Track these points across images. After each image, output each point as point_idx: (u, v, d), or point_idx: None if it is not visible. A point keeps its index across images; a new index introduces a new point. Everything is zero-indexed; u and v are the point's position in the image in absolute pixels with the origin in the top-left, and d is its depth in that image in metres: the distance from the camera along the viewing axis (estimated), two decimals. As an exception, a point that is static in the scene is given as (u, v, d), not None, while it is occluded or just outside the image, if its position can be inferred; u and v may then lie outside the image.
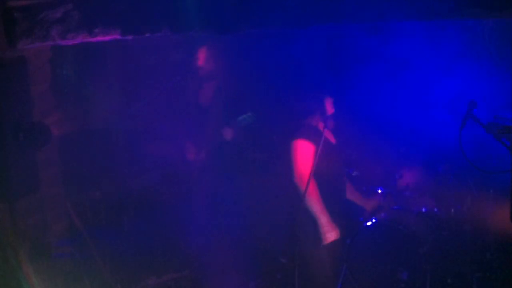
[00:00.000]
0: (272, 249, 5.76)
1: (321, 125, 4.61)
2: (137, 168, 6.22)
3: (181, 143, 5.89)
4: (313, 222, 4.57)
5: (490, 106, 5.08)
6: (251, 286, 5.65)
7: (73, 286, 4.86)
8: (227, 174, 5.84)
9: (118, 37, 3.97)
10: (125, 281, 5.35)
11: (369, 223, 5.40)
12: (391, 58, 5.66)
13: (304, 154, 4.56)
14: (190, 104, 5.70)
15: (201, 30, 3.92)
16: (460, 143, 4.12)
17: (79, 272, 4.95)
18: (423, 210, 5.59)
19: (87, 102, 5.72)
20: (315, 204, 4.53)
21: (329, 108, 4.67)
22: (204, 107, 5.67)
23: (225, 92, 5.64)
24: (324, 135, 4.41)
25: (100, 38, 3.97)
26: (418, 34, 5.54)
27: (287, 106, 5.35)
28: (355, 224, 5.21)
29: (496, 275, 5.17)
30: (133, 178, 6.17)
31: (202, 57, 5.52)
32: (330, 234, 4.60)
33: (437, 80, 5.70)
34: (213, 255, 5.66)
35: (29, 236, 4.57)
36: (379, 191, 5.69)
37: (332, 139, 4.79)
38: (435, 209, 5.60)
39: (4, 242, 4.08)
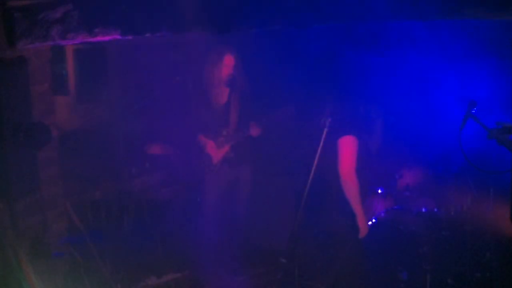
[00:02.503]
0: (272, 249, 5.77)
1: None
2: (137, 168, 6.22)
3: (183, 143, 5.90)
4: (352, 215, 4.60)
5: (491, 106, 5.09)
6: (250, 286, 5.65)
7: (73, 286, 4.86)
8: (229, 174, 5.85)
9: (118, 37, 3.97)
10: (125, 281, 5.35)
11: (369, 223, 5.40)
12: (391, 60, 5.67)
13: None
14: (201, 103, 5.72)
15: (201, 30, 3.92)
16: (460, 143, 4.12)
17: (79, 272, 4.95)
18: (423, 210, 5.60)
19: (87, 102, 5.72)
20: (353, 198, 4.57)
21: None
22: (221, 106, 5.72)
23: (240, 91, 5.69)
24: (323, 136, 4.43)
25: (100, 38, 3.97)
26: (418, 35, 5.54)
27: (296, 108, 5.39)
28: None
29: (496, 275, 5.16)
30: (133, 178, 6.17)
31: (221, 57, 5.58)
32: (365, 228, 4.63)
33: (437, 81, 5.71)
34: (213, 255, 5.66)
35: (29, 236, 4.56)
36: (379, 191, 5.69)
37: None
38: (435, 209, 5.60)
39: (4, 242, 4.08)
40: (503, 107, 5.09)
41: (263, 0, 3.83)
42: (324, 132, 4.41)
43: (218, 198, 5.75)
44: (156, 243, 5.77)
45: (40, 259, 4.46)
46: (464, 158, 4.09)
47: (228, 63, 5.55)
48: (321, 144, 4.40)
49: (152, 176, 6.32)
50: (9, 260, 4.04)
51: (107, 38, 3.98)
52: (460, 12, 3.46)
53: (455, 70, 5.59)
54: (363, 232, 4.65)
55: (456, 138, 4.08)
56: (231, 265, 5.72)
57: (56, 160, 5.19)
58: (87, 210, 5.59)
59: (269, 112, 5.62)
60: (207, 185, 5.76)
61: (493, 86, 5.38)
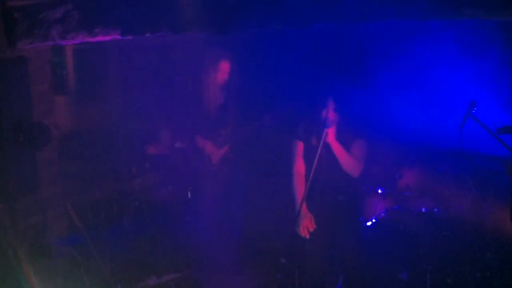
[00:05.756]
0: (272, 249, 5.77)
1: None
2: (137, 168, 6.22)
3: (182, 143, 5.91)
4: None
5: (490, 106, 5.09)
6: (250, 286, 5.65)
7: (73, 286, 4.86)
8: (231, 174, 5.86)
9: (118, 37, 3.97)
10: (125, 281, 5.35)
11: (369, 223, 5.40)
12: (390, 60, 5.67)
13: (294, 152, 4.69)
14: (199, 104, 5.74)
15: (201, 30, 3.92)
16: (460, 142, 4.12)
17: (79, 272, 4.95)
18: (423, 210, 5.60)
19: (87, 102, 5.72)
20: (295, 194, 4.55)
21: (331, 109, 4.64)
22: (218, 107, 5.73)
23: (237, 92, 5.71)
24: (324, 135, 4.41)
25: (100, 38, 3.97)
26: (418, 35, 5.55)
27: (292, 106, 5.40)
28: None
29: (496, 275, 5.16)
30: (133, 178, 6.17)
31: (215, 58, 5.61)
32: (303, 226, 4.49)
33: (437, 80, 5.70)
34: (213, 255, 5.66)
35: (29, 236, 4.56)
36: (379, 191, 5.69)
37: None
38: (435, 209, 5.60)
39: (4, 242, 4.08)
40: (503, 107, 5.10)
41: (262, 1, 3.83)
42: (324, 132, 4.40)
43: (218, 197, 5.76)
44: (156, 243, 5.77)
45: (40, 259, 4.47)
46: (464, 158, 4.09)
47: (224, 69, 5.60)
48: (321, 144, 4.39)
49: (152, 176, 6.32)
50: (9, 260, 4.04)
51: (107, 38, 3.98)
52: (460, 12, 3.46)
53: (455, 70, 5.59)
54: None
55: (456, 137, 4.09)
56: (230, 265, 5.72)
57: (56, 160, 5.18)
58: (87, 210, 5.60)
59: (267, 111, 5.64)
60: (207, 185, 5.78)
61: (494, 86, 5.38)
